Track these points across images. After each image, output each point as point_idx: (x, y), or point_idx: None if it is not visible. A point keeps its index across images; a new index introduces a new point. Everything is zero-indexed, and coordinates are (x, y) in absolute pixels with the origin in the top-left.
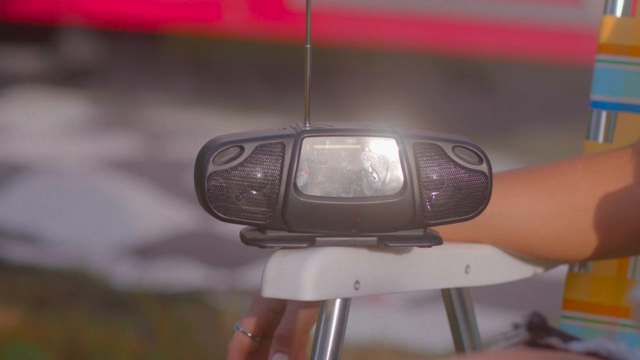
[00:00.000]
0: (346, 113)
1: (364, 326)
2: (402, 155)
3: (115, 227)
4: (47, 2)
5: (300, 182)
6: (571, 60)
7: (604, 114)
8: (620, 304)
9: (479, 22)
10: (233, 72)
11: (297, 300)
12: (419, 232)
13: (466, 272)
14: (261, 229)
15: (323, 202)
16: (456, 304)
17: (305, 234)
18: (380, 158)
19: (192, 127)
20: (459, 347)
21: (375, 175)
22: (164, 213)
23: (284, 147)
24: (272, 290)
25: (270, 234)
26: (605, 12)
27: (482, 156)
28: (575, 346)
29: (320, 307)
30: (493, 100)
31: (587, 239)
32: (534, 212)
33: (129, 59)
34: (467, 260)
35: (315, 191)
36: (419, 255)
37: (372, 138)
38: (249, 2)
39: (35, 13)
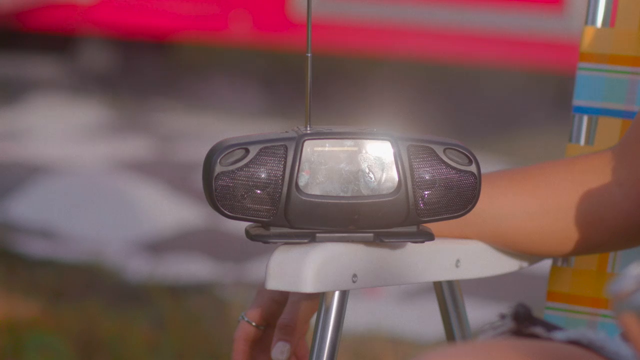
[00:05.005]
0: (345, 117)
1: (361, 317)
2: (397, 157)
3: (129, 224)
4: (65, 13)
5: (302, 182)
6: (554, 67)
7: (585, 118)
8: (600, 296)
9: (469, 32)
10: (238, 79)
11: (299, 292)
12: (413, 228)
13: (457, 266)
14: (265, 225)
15: (323, 200)
16: (447, 295)
17: (306, 230)
18: (377, 159)
19: (200, 131)
20: (450, 336)
21: (371, 175)
22: (174, 211)
23: (286, 149)
24: (275, 282)
25: (274, 230)
26: (586, 22)
27: (471, 158)
28: (558, 335)
29: (320, 299)
30: (482, 105)
31: (569, 236)
32: (519, 210)
33: (142, 67)
34: (458, 255)
35: (315, 190)
36: (413, 250)
37: (368, 141)
38: (253, 14)
39: (54, 24)
